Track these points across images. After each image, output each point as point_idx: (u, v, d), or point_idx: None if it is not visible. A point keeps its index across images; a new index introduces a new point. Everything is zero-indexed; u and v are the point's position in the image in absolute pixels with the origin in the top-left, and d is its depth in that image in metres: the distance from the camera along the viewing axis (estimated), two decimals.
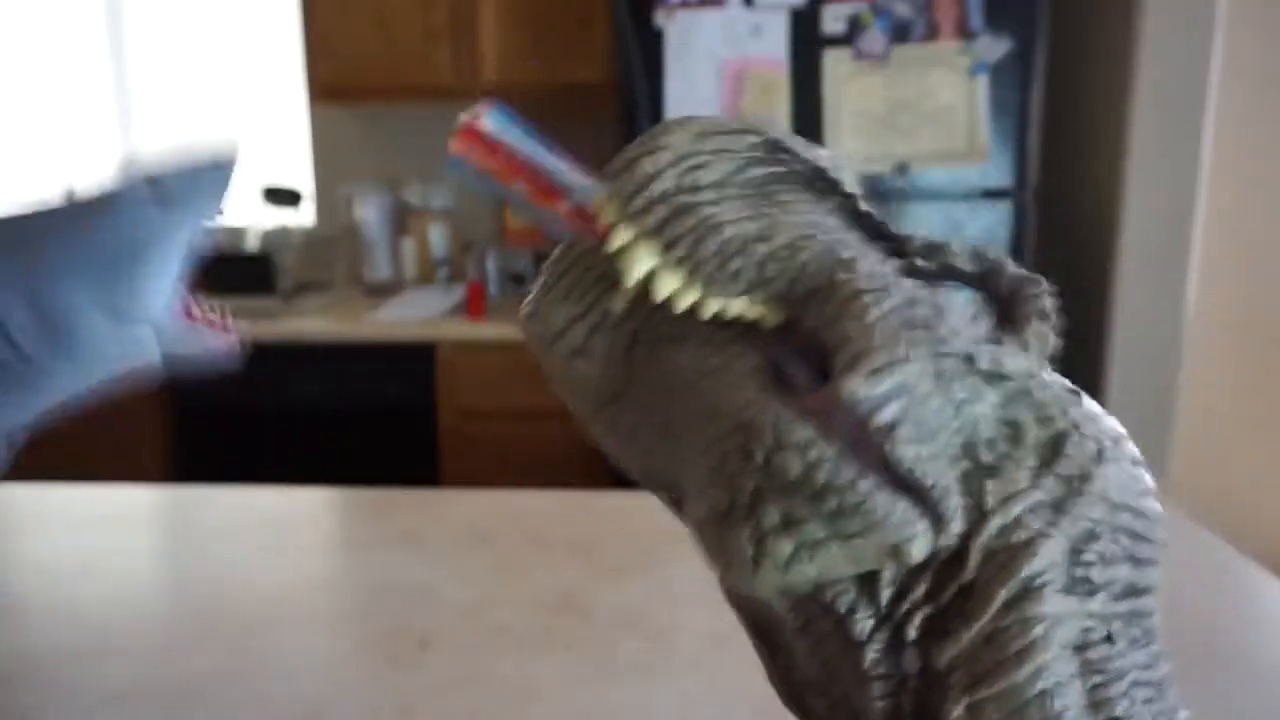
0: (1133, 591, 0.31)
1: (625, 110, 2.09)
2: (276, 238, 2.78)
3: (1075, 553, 0.30)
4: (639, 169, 0.32)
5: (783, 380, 0.31)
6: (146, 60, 2.89)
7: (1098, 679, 0.30)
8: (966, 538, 0.30)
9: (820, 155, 0.34)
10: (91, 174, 2.90)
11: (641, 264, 0.32)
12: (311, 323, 2.38)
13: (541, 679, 0.71)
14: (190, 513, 1.05)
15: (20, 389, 0.53)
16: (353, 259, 2.80)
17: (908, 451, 0.29)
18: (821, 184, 0.34)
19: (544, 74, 2.42)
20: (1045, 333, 0.32)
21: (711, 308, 0.32)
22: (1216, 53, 1.99)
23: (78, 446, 2.16)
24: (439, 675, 0.72)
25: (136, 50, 2.89)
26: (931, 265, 0.33)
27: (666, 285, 0.32)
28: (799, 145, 0.34)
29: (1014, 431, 0.31)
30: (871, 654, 0.31)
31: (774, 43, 2.03)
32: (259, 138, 2.88)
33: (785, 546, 0.29)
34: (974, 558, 0.30)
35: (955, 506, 0.29)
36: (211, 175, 0.57)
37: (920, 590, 0.30)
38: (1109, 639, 0.30)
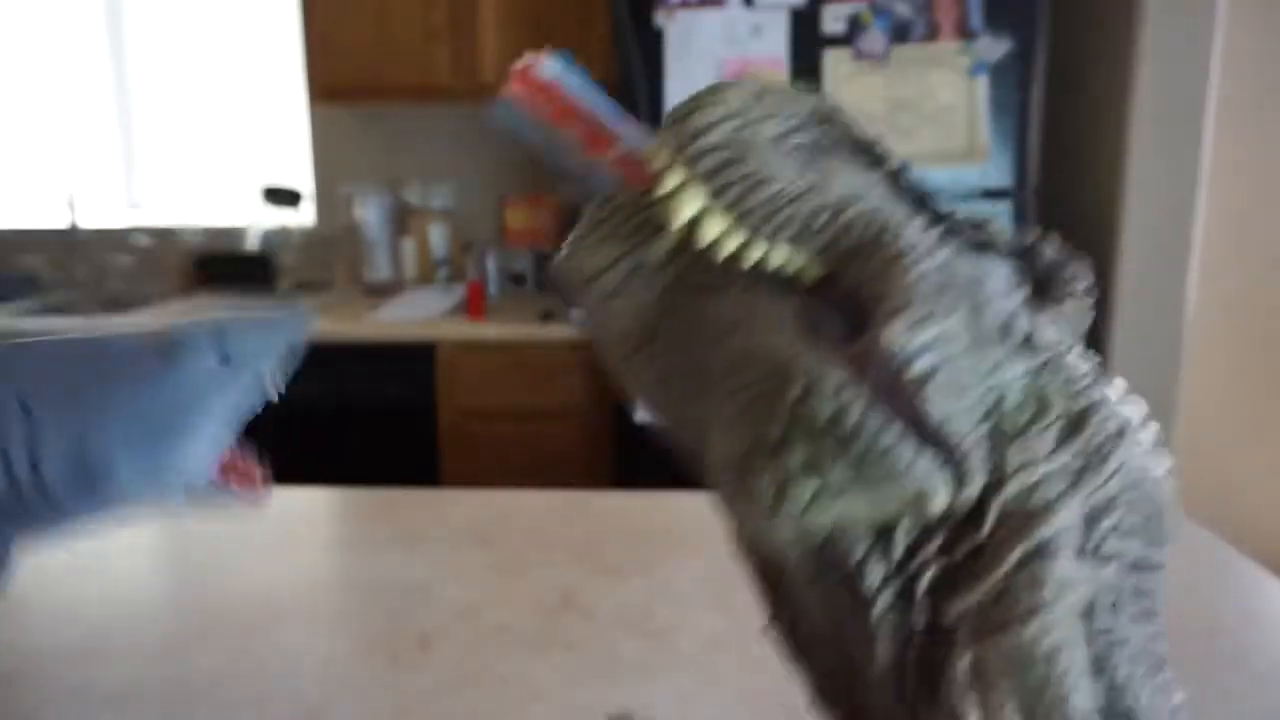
0: (1142, 567, 0.31)
1: (625, 110, 2.10)
2: (276, 238, 2.78)
3: (1090, 521, 0.31)
4: (694, 120, 0.33)
5: (814, 329, 0.31)
6: (146, 60, 2.89)
7: (1101, 645, 0.30)
8: (985, 497, 0.30)
9: (869, 129, 0.35)
10: (91, 174, 2.90)
11: (689, 206, 0.32)
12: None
13: (541, 679, 0.71)
14: (190, 513, 1.05)
15: (37, 525, 0.52)
16: (353, 259, 2.80)
17: (938, 405, 0.29)
18: (871, 154, 0.34)
19: None
20: (1080, 310, 0.33)
21: (754, 255, 0.32)
22: (1216, 53, 1.99)
23: None
24: (439, 675, 0.72)
25: (136, 50, 2.89)
26: (976, 238, 0.33)
27: (712, 229, 0.32)
28: (850, 116, 0.35)
29: (1040, 401, 0.31)
30: (880, 607, 0.31)
31: (774, 43, 2.03)
32: (259, 138, 2.88)
33: (806, 490, 0.29)
34: (991, 517, 0.30)
35: (978, 464, 0.30)
36: (278, 340, 0.55)
37: (933, 546, 0.31)
38: (1115, 609, 0.31)
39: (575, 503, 1.05)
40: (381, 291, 2.69)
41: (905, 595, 0.31)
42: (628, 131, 0.36)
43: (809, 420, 0.29)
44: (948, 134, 2.01)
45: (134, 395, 0.51)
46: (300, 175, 2.85)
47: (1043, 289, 0.33)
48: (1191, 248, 2.07)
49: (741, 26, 2.03)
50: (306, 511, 1.06)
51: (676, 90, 2.06)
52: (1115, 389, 0.33)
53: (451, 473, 2.38)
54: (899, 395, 0.29)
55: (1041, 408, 0.31)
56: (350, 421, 2.40)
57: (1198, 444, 2.10)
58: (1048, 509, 0.30)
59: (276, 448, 2.62)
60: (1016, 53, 1.96)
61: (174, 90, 2.90)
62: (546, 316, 2.36)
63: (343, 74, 2.49)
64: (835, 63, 2.02)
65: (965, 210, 0.34)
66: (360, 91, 2.52)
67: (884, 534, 0.31)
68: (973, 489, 0.30)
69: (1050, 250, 0.34)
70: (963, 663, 0.30)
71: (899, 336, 0.29)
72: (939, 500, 0.29)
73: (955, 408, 0.30)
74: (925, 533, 0.31)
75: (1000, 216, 2.03)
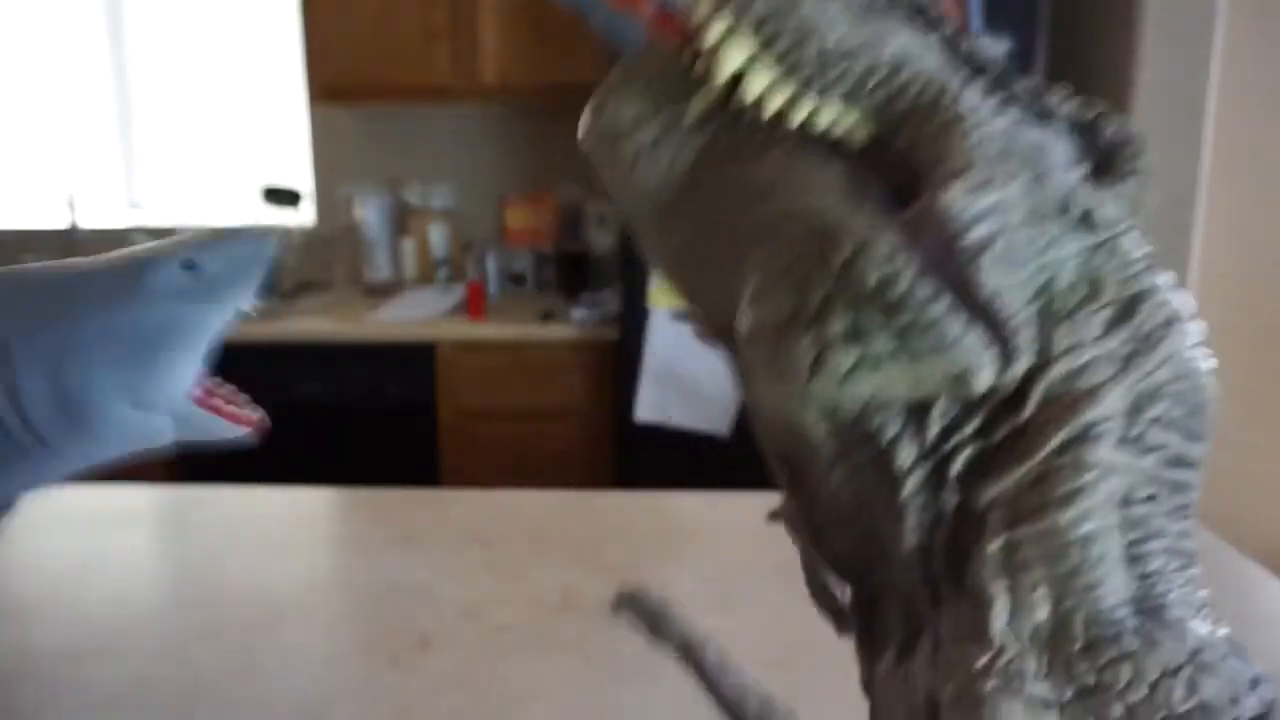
0: (1181, 462, 0.30)
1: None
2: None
3: (1135, 409, 0.30)
4: None
5: (862, 193, 0.30)
6: (146, 60, 2.89)
7: (1137, 535, 0.29)
8: (1029, 378, 0.29)
9: None
10: (91, 174, 2.90)
11: (735, 58, 0.30)
12: (311, 323, 2.38)
13: (541, 679, 0.71)
14: (190, 513, 1.05)
15: (27, 463, 0.51)
16: (353, 259, 2.80)
17: (991, 277, 0.28)
18: (928, 16, 0.33)
19: (544, 74, 2.42)
20: (1140, 190, 0.32)
21: (803, 111, 0.30)
22: (1216, 53, 1.99)
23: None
24: (439, 675, 0.72)
25: (136, 50, 2.89)
26: (1036, 107, 0.32)
27: (759, 82, 0.30)
28: None
29: (1093, 282, 0.30)
30: (909, 487, 0.30)
31: None
32: (259, 138, 2.88)
33: (847, 358, 0.28)
34: (1034, 398, 0.29)
35: (1025, 344, 0.29)
36: (249, 261, 0.55)
37: (971, 426, 0.30)
38: (1153, 499, 0.30)
39: (575, 503, 1.05)
40: (381, 291, 2.69)
41: (937, 476, 0.30)
42: None
43: (854, 286, 0.27)
44: None
45: (105, 318, 0.50)
46: (300, 175, 2.85)
47: (1104, 165, 0.32)
48: (1191, 248, 2.07)
49: None
50: (306, 511, 1.06)
51: None
52: (1168, 277, 0.31)
53: (451, 473, 2.38)
54: (951, 263, 0.28)
55: (1094, 289, 0.30)
56: (350, 421, 2.40)
57: None
58: (1093, 393, 0.29)
59: (277, 448, 2.62)
60: (1016, 53, 1.96)
61: (174, 90, 2.90)
62: (546, 316, 2.36)
63: (343, 74, 2.49)
64: None
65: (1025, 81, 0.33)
66: (360, 91, 2.52)
67: (919, 412, 0.29)
68: (1018, 369, 0.29)
69: (1113, 125, 0.32)
70: (993, 546, 0.29)
71: (957, 200, 0.27)
72: (983, 379, 0.28)
73: (1008, 281, 0.28)
74: (963, 412, 0.29)
75: None
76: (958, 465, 0.30)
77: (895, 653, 0.33)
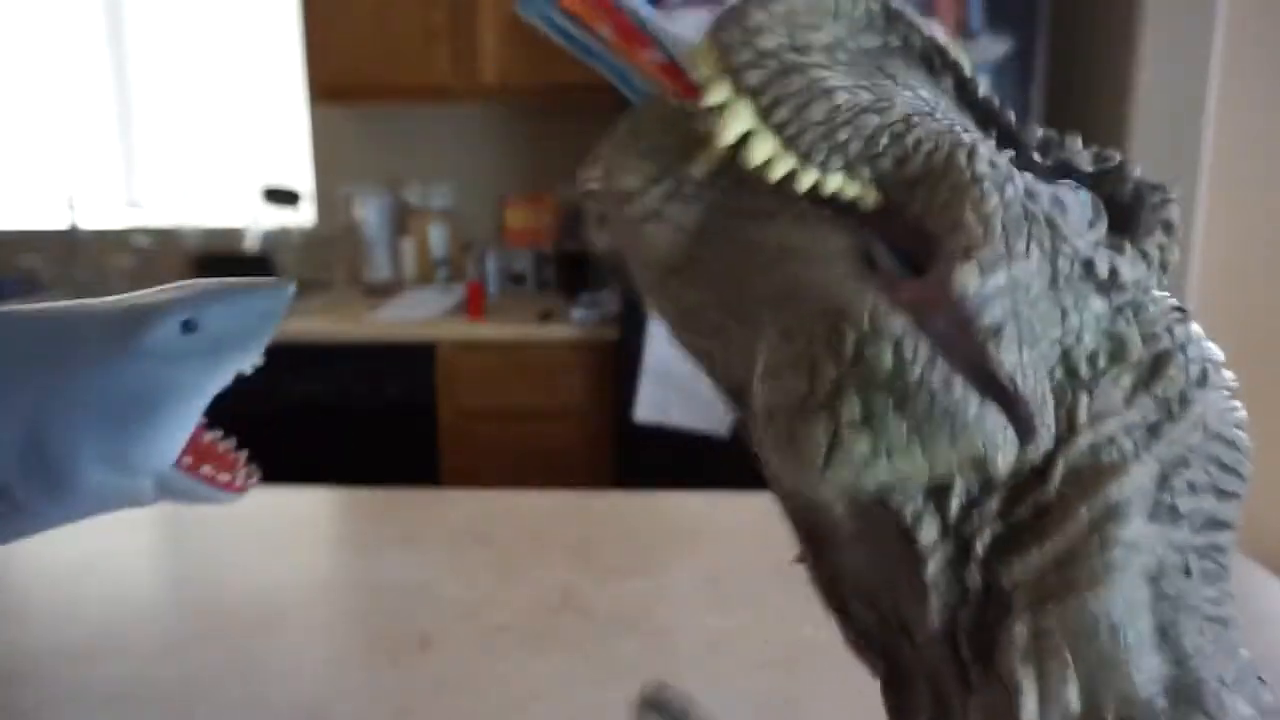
0: (1214, 524, 0.29)
1: (626, 110, 2.09)
2: (276, 238, 2.78)
3: (1164, 478, 0.28)
4: (746, 20, 0.29)
5: (871, 265, 0.28)
6: (146, 60, 2.89)
7: (1169, 610, 0.28)
8: (1053, 451, 0.28)
9: (938, 31, 0.32)
10: (91, 174, 2.90)
11: (738, 123, 0.29)
12: (311, 323, 2.38)
13: (541, 679, 0.71)
14: (190, 513, 1.05)
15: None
16: (353, 259, 2.80)
17: (1009, 356, 0.27)
18: (938, 61, 0.31)
19: (544, 74, 2.42)
20: (1167, 244, 0.30)
21: (808, 180, 0.29)
22: (1216, 53, 1.99)
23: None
24: (439, 675, 0.72)
25: (136, 50, 2.89)
26: (1050, 161, 0.31)
27: (762, 150, 0.29)
28: (914, 19, 0.31)
29: (1117, 345, 0.29)
30: (933, 567, 0.29)
31: None
32: (259, 138, 2.88)
33: (863, 445, 0.27)
34: (1058, 474, 0.28)
35: (1048, 420, 0.28)
36: (256, 320, 0.50)
37: (993, 503, 0.28)
38: (1186, 571, 0.29)
39: (575, 503, 1.05)
40: (381, 291, 2.69)
41: (961, 554, 0.29)
42: (666, 33, 0.32)
43: (867, 371, 0.26)
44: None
45: (92, 375, 0.46)
46: (300, 175, 2.85)
47: (1127, 218, 0.30)
48: (1192, 248, 2.07)
49: None
50: (306, 511, 1.06)
51: None
52: (1194, 328, 0.30)
53: (451, 472, 2.38)
54: (966, 344, 0.26)
55: (1117, 354, 0.29)
56: (350, 421, 2.40)
57: None
58: (1120, 466, 0.28)
59: (277, 448, 2.62)
60: (1016, 53, 1.96)
61: (174, 90, 2.90)
62: (546, 316, 2.36)
63: (343, 74, 2.49)
64: None
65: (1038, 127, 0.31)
66: (360, 91, 2.52)
67: (939, 489, 0.28)
68: (1040, 446, 0.28)
69: (1134, 176, 0.31)
70: (1020, 628, 0.28)
71: (971, 279, 0.26)
72: (1004, 461, 0.27)
73: (1026, 357, 0.27)
74: (985, 489, 0.28)
75: None
76: (981, 543, 0.29)
77: None
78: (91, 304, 0.50)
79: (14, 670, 0.73)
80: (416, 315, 2.41)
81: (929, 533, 0.29)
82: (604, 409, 2.31)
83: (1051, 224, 0.28)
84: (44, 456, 0.45)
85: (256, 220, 2.82)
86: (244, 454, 0.52)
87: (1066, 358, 0.28)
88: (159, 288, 0.50)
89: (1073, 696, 0.27)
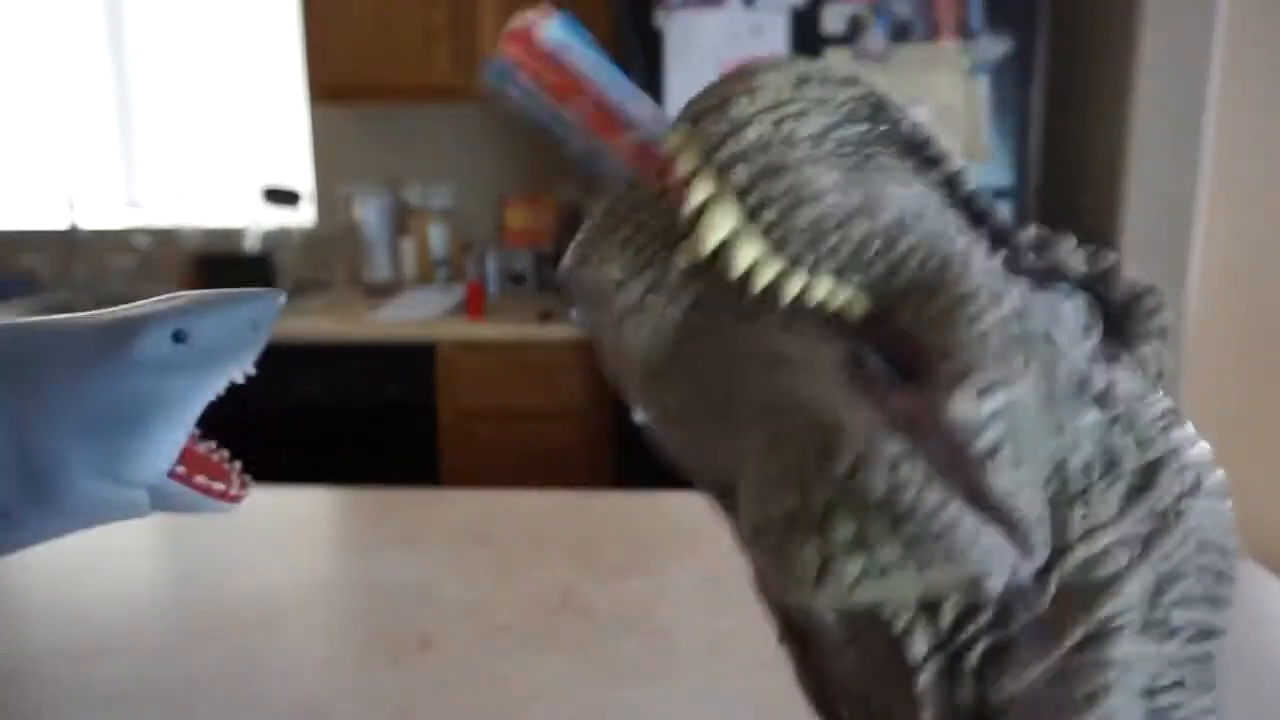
0: (1207, 634, 0.29)
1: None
2: (276, 238, 2.78)
3: (1157, 592, 0.28)
4: (729, 110, 0.28)
5: (860, 375, 0.28)
6: (147, 60, 2.89)
7: None
8: (1047, 568, 0.28)
9: (922, 122, 0.31)
10: (91, 174, 2.90)
11: (721, 227, 0.28)
12: (311, 323, 2.38)
13: (541, 679, 0.71)
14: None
15: None
16: (353, 259, 2.80)
17: (1006, 477, 0.26)
18: (925, 153, 0.30)
19: None
20: (1161, 351, 0.30)
21: (794, 287, 0.28)
22: (1216, 53, 1.99)
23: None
24: (439, 675, 0.72)
25: (137, 50, 2.89)
26: (1041, 263, 0.30)
27: (746, 255, 0.28)
28: (901, 107, 0.31)
29: (1111, 456, 0.28)
30: (925, 679, 0.28)
31: (774, 43, 2.03)
32: (259, 138, 2.88)
33: (854, 567, 0.26)
34: (1051, 588, 0.28)
35: (1040, 540, 0.27)
36: (247, 329, 0.49)
37: (985, 618, 0.28)
38: (1180, 684, 0.28)
39: (575, 503, 1.05)
40: (381, 291, 2.69)
41: (953, 667, 0.28)
42: (642, 112, 0.31)
43: (859, 494, 0.26)
44: (948, 134, 2.01)
45: (81, 385, 0.45)
46: (300, 175, 2.85)
47: (1120, 323, 0.30)
48: (1191, 248, 2.07)
49: (741, 27, 2.03)
50: (306, 511, 1.06)
51: (677, 91, 2.06)
52: (1187, 432, 0.30)
53: (451, 473, 2.38)
54: (959, 467, 0.26)
55: (1110, 465, 0.28)
56: (350, 421, 2.40)
57: None
58: (1112, 583, 0.27)
59: (277, 448, 2.61)
60: (1016, 53, 1.96)
61: (174, 90, 2.90)
62: (546, 316, 2.36)
63: (343, 74, 2.49)
64: (835, 63, 2.02)
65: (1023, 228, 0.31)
66: (360, 91, 2.52)
67: (931, 603, 0.28)
68: (1034, 564, 0.27)
69: (1124, 280, 0.30)
70: None
71: (966, 407, 0.26)
72: (996, 582, 0.27)
73: (1023, 476, 0.27)
74: (979, 602, 0.28)
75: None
76: (973, 657, 0.28)
77: None
78: (80, 317, 0.49)
79: (14, 670, 0.73)
80: (416, 315, 2.41)
81: (921, 645, 0.28)
82: (604, 409, 2.31)
83: (1048, 339, 0.27)
84: (35, 470, 0.45)
85: (256, 220, 2.82)
86: (237, 463, 0.51)
87: (1061, 470, 0.28)
88: (149, 300, 0.50)
89: None
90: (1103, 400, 0.28)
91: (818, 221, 0.27)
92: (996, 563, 0.26)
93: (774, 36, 2.03)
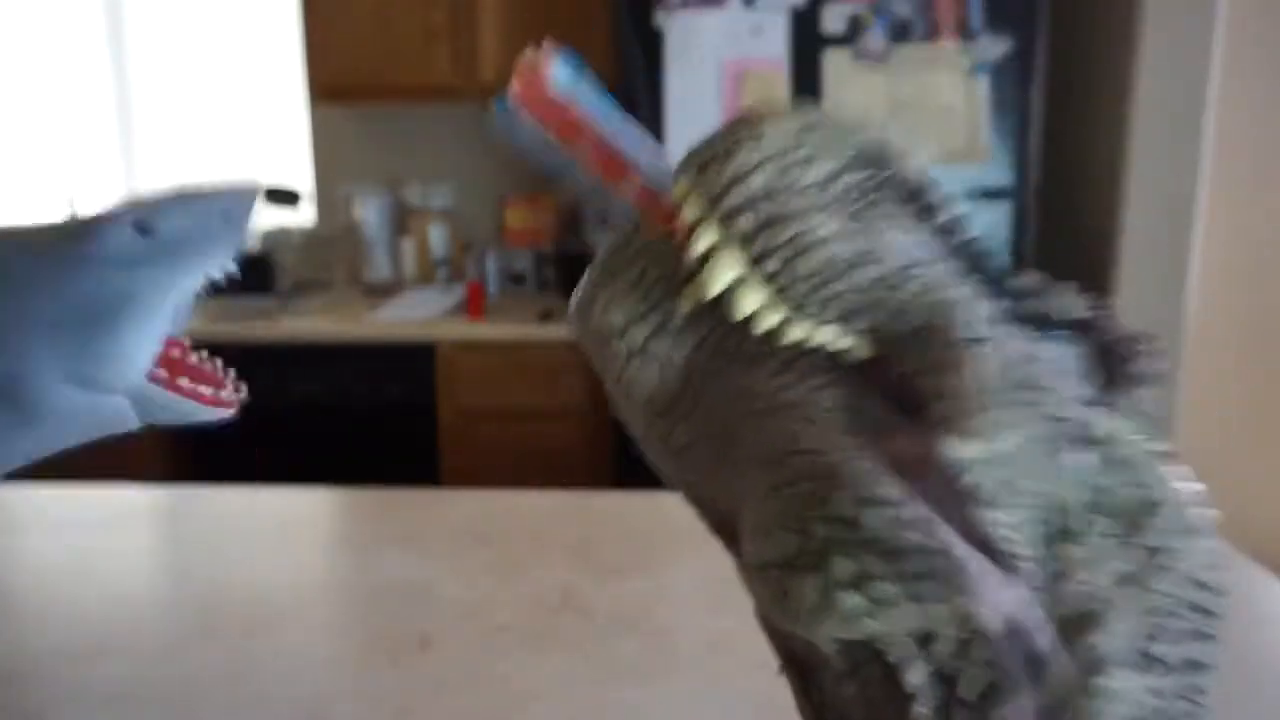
0: (1194, 668, 0.29)
1: (625, 111, 2.09)
2: (276, 238, 2.78)
3: (1148, 628, 0.29)
4: (734, 160, 0.28)
5: (860, 417, 0.29)
6: (147, 61, 2.89)
7: None
8: (1040, 603, 0.28)
9: (923, 168, 0.32)
10: (91, 174, 2.90)
11: (725, 275, 0.28)
12: (311, 323, 2.38)
13: (541, 679, 0.71)
14: (190, 513, 1.05)
15: None
16: (353, 259, 2.80)
17: (1001, 516, 0.27)
18: (924, 201, 0.31)
19: None
20: (1152, 397, 0.31)
21: (797, 333, 0.29)
22: (1216, 53, 1.99)
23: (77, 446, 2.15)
24: (439, 675, 0.72)
25: (137, 51, 2.89)
26: (1038, 309, 0.31)
27: (750, 302, 0.28)
28: (900, 155, 0.31)
29: (1105, 497, 0.29)
30: (921, 710, 0.29)
31: (774, 43, 2.02)
32: (259, 137, 2.88)
33: (853, 602, 0.27)
34: (1044, 625, 0.28)
35: (1036, 575, 0.28)
36: (217, 221, 0.47)
37: (981, 650, 0.28)
38: (1168, 717, 0.29)
39: (575, 503, 1.05)
40: (381, 291, 2.69)
41: (949, 695, 0.29)
42: (646, 156, 0.31)
43: (858, 533, 0.27)
44: (948, 134, 2.01)
45: (45, 289, 0.44)
46: (300, 175, 2.85)
47: (1114, 369, 0.30)
48: (1191, 248, 2.07)
49: (741, 27, 2.03)
50: (306, 511, 1.06)
51: (677, 91, 2.06)
52: (1179, 471, 0.30)
53: (451, 473, 2.38)
54: (955, 507, 0.27)
55: (1105, 504, 0.29)
56: (350, 421, 2.40)
57: (1198, 444, 2.10)
58: (1104, 619, 0.28)
59: (277, 448, 2.61)
60: (1016, 53, 1.96)
61: (174, 90, 2.90)
62: (546, 316, 2.36)
63: (343, 74, 2.49)
64: (835, 63, 2.02)
65: (1017, 276, 0.31)
66: (360, 91, 2.52)
67: (927, 634, 0.29)
68: (1026, 601, 0.28)
69: (1119, 324, 0.31)
70: None
71: (961, 449, 0.27)
72: (991, 616, 0.27)
73: (1015, 518, 0.27)
74: (973, 636, 0.28)
75: (1000, 216, 2.03)
76: (969, 689, 0.29)
77: None
78: (41, 222, 0.47)
79: (14, 670, 0.73)
80: (416, 315, 2.41)
81: (917, 676, 0.29)
82: (604, 409, 2.31)
83: (1044, 384, 0.28)
84: (3, 379, 0.43)
85: (256, 220, 2.82)
86: (231, 371, 0.49)
87: (1055, 508, 0.29)
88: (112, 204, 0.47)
89: None
90: (1098, 443, 0.29)
91: (820, 270, 0.28)
92: (991, 597, 0.27)
93: (774, 36, 2.03)
